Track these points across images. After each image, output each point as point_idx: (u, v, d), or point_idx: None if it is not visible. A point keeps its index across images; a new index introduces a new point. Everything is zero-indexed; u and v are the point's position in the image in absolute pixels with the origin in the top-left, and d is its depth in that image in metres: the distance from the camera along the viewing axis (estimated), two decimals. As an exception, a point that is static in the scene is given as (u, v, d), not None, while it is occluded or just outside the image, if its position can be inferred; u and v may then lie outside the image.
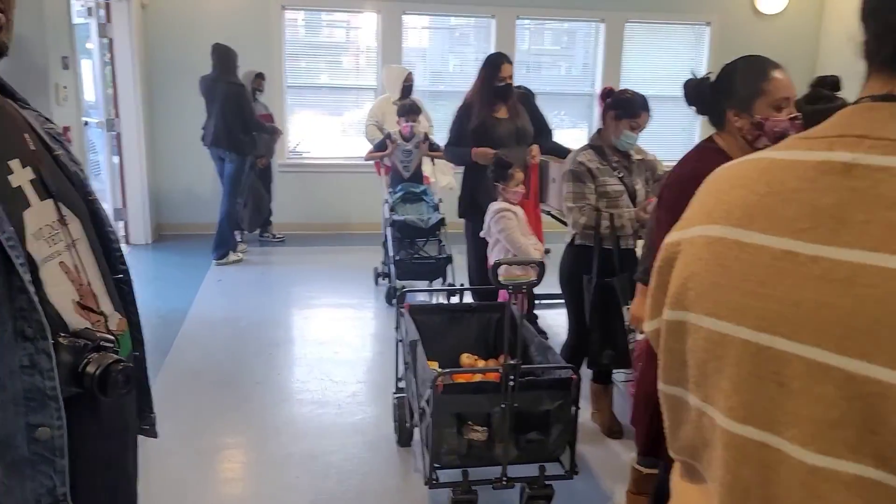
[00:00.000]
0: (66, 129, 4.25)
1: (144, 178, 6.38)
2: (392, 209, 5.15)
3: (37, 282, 0.95)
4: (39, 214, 1.00)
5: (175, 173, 6.81)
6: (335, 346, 4.26)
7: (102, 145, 6.24)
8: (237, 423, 3.30)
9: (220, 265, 5.88)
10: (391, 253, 4.97)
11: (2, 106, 1.05)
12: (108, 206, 6.26)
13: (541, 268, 2.58)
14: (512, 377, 2.40)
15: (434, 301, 4.99)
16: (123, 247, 6.15)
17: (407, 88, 5.78)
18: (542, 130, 4.45)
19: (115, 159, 6.27)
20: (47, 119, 1.17)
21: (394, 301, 4.92)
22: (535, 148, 4.16)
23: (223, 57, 5.68)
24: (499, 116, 4.05)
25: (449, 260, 4.97)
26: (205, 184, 6.71)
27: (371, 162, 5.63)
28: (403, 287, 4.88)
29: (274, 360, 4.04)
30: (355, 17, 7.18)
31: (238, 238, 6.27)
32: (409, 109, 5.33)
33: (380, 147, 5.40)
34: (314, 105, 7.36)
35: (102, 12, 5.85)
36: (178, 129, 6.68)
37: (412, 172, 5.40)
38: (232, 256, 5.96)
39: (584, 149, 3.21)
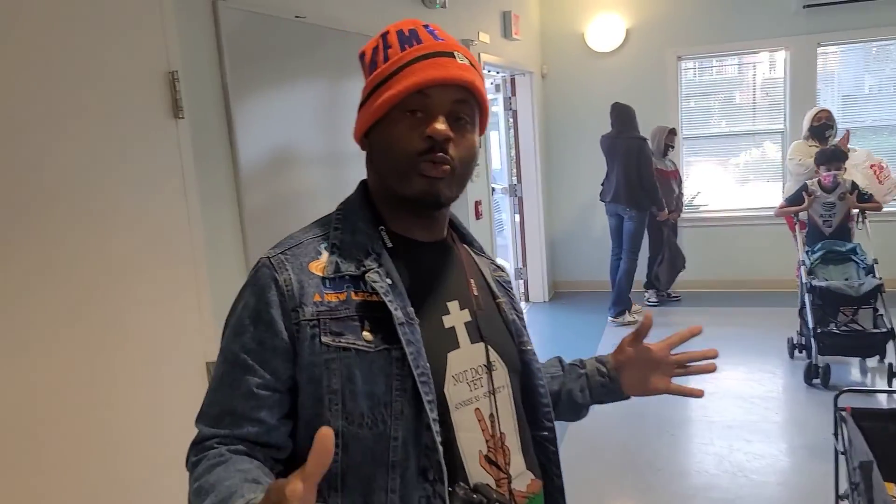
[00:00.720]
0: (478, 202, 4.58)
1: (542, 237, 6.64)
2: (810, 272, 4.47)
3: (448, 424, 0.97)
4: (465, 357, 1.02)
5: (569, 232, 6.97)
6: (746, 432, 3.77)
7: (505, 206, 6.70)
8: (640, 517, 3.07)
9: (615, 324, 5.79)
10: (811, 324, 4.28)
11: (454, 250, 1.10)
12: (510, 265, 6.66)
13: None
14: None
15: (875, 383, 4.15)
16: (522, 305, 6.55)
17: (818, 129, 5.04)
18: None
19: (517, 217, 6.66)
20: (499, 267, 1.20)
21: (814, 381, 4.24)
22: None
23: (622, 114, 5.68)
24: None
25: (890, 335, 4.09)
26: (596, 241, 6.74)
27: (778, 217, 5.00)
28: (827, 365, 4.22)
29: (677, 444, 3.73)
30: (755, 57, 6.58)
31: (655, 299, 6.25)
32: (830, 156, 4.61)
33: (794, 200, 4.76)
34: (710, 153, 6.91)
35: (509, 86, 6.31)
36: (571, 188, 6.86)
37: (835, 228, 4.64)
38: (628, 317, 5.81)
39: None
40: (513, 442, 1.03)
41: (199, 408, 0.97)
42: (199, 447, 0.94)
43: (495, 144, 6.39)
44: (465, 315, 1.04)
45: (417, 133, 0.97)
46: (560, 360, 1.28)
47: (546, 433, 1.11)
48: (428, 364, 0.95)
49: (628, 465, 3.52)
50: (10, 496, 1.46)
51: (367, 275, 0.96)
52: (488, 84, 6.08)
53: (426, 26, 1.03)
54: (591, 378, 1.22)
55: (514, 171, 6.56)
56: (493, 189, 6.00)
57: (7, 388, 1.47)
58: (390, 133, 0.99)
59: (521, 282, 6.71)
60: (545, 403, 1.12)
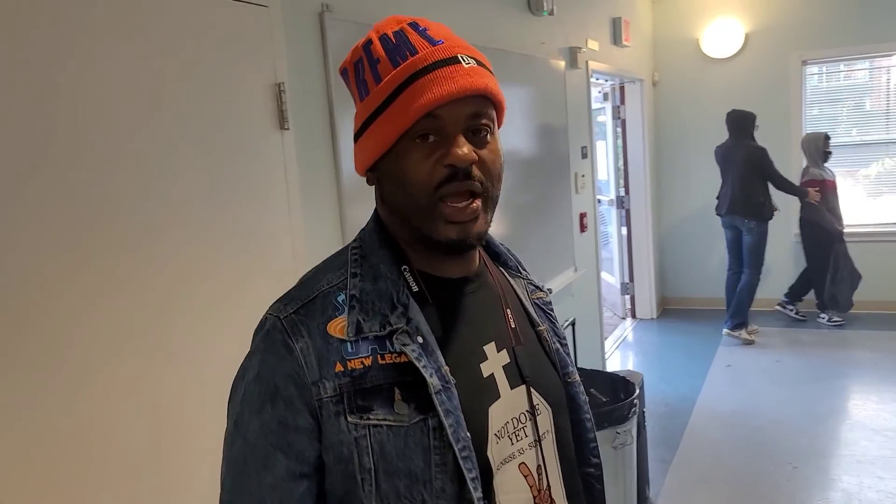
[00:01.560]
0: (583, 214, 4.44)
1: (651, 252, 6.39)
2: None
3: (490, 489, 0.85)
4: (507, 407, 0.90)
5: (679, 246, 6.67)
6: (879, 469, 3.43)
7: (611, 218, 6.50)
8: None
9: (730, 337, 5.49)
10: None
11: (487, 279, 0.96)
12: (615, 279, 6.45)
13: None
14: None
15: None
16: (628, 322, 6.33)
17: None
18: None
19: (624, 230, 6.44)
20: (538, 287, 1.06)
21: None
22: None
23: (739, 122, 5.40)
24: None
25: None
26: (709, 256, 6.41)
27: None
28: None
29: (800, 479, 3.44)
30: (889, 60, 6.08)
31: (837, 319, 5.71)
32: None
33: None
34: (838, 164, 6.41)
35: (617, 95, 6.12)
36: (682, 200, 6.57)
37: None
38: (744, 333, 5.48)
39: None
40: (558, 493, 0.93)
41: (221, 494, 0.87)
42: None
43: (602, 154, 6.21)
44: (504, 357, 0.91)
45: (434, 160, 0.83)
46: None
47: (592, 469, 1.02)
48: (468, 434, 0.83)
49: (742, 499, 3.28)
50: (104, 499, 1.49)
51: (395, 336, 0.83)
52: (596, 93, 5.92)
53: (414, 25, 0.87)
54: None
55: (622, 182, 6.36)
56: (599, 201, 5.84)
57: (111, 391, 1.50)
58: (401, 167, 0.84)
59: (628, 297, 6.48)
60: (591, 438, 1.02)
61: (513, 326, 0.94)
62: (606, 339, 5.26)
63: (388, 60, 0.84)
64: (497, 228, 3.20)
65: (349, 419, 0.81)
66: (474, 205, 0.84)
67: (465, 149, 0.82)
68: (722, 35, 6.23)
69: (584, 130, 4.52)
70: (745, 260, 5.50)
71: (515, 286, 1.01)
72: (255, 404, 0.84)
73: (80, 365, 1.43)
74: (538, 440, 0.91)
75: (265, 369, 0.84)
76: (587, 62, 4.52)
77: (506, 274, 1.02)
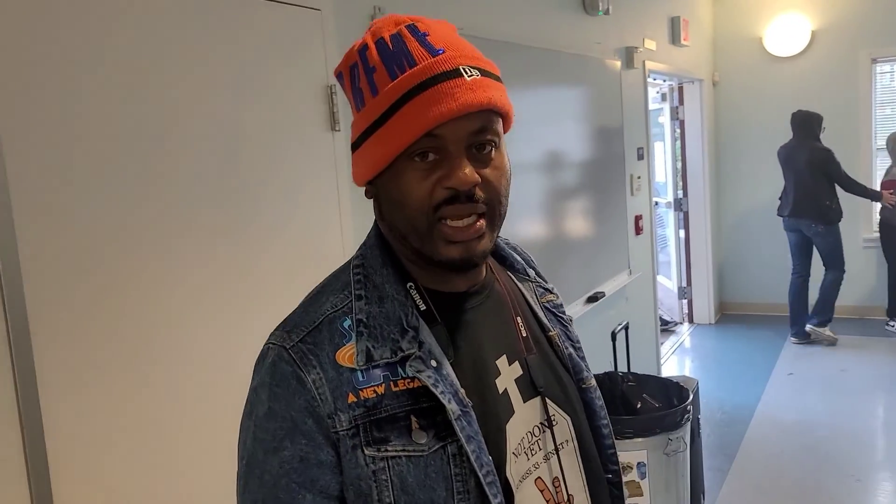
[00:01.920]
0: (638, 217, 4.37)
1: (709, 256, 6.24)
2: None
3: None
4: (522, 422, 0.86)
5: (740, 249, 6.50)
6: (951, 486, 3.27)
7: (669, 220, 6.37)
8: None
9: (814, 334, 5.35)
10: None
11: (495, 287, 0.91)
12: (673, 283, 6.32)
13: None
14: None
15: None
16: (685, 327, 6.19)
17: None
18: None
19: (681, 233, 6.30)
20: (548, 290, 1.01)
21: None
22: None
23: (803, 122, 5.24)
24: None
25: None
26: (770, 261, 6.21)
27: None
28: None
29: (863, 493, 3.30)
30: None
31: None
32: None
33: None
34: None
35: (676, 95, 6.00)
36: (742, 204, 6.40)
37: None
38: (827, 331, 5.33)
39: None
40: (582, 501, 0.90)
41: None
42: None
43: (660, 156, 6.10)
44: (516, 369, 0.87)
45: (434, 181, 0.78)
46: None
47: (610, 476, 0.97)
48: (490, 457, 0.79)
49: (803, 510, 3.17)
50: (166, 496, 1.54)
51: (408, 363, 0.79)
52: (654, 93, 5.82)
53: (413, 29, 0.80)
54: None
55: (680, 184, 6.23)
56: (657, 203, 5.73)
57: (172, 389, 1.55)
58: (399, 186, 0.79)
59: (685, 302, 6.34)
60: (609, 444, 0.98)
61: (524, 335, 0.90)
62: (662, 344, 5.16)
63: (384, 69, 0.78)
64: (549, 230, 3.18)
65: (366, 452, 0.77)
66: (479, 224, 0.80)
67: (467, 171, 0.77)
68: (787, 32, 6.04)
69: (640, 131, 4.45)
70: (826, 263, 5.38)
71: (524, 290, 0.97)
72: (270, 442, 0.78)
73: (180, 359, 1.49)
74: (556, 451, 0.88)
75: (277, 404, 0.78)
76: (644, 62, 4.44)
77: (513, 278, 0.97)
